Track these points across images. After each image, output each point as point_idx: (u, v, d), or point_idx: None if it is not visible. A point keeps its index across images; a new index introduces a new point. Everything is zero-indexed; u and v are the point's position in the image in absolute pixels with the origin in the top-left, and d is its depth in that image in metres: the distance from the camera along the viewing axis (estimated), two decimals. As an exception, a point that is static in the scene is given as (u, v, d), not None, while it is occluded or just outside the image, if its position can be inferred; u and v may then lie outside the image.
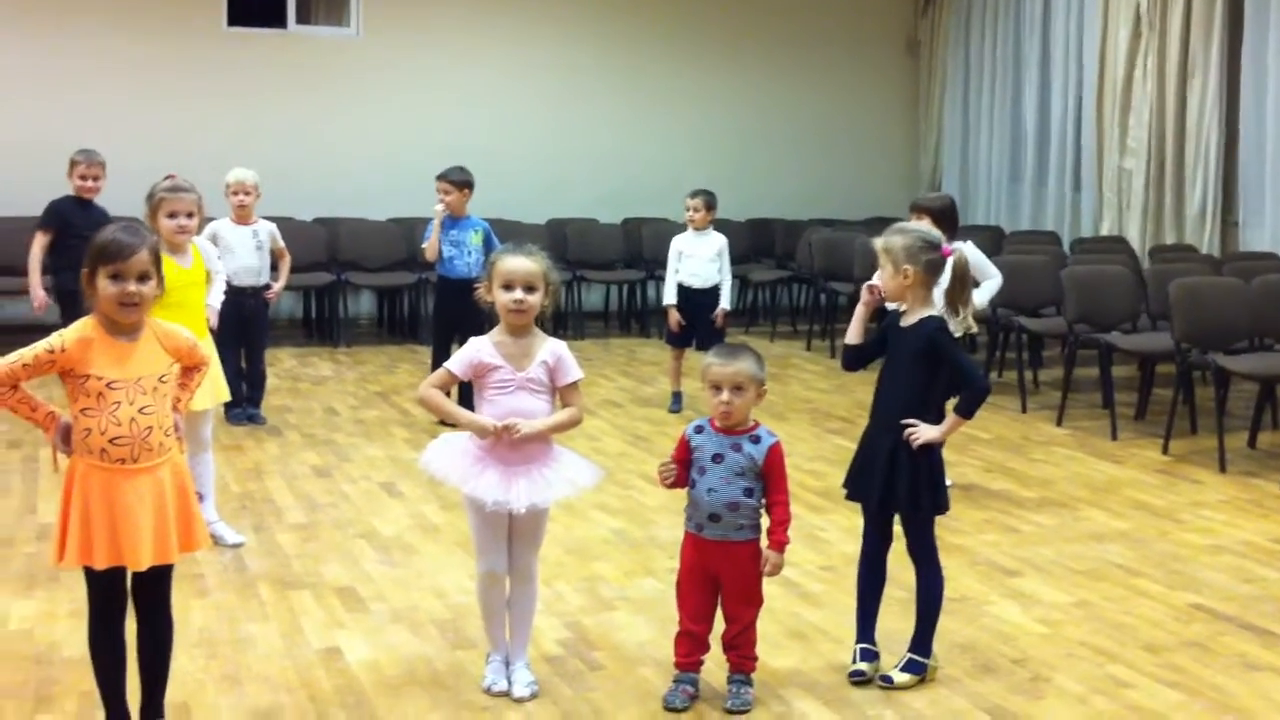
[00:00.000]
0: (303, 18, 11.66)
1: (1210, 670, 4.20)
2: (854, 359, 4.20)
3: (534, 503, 3.78)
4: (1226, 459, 6.93)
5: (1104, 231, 11.10)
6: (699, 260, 8.16)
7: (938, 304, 4.09)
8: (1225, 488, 6.57)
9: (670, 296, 8.22)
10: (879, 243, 4.05)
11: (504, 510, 3.76)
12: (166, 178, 5.22)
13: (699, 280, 8.16)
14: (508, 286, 3.78)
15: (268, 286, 7.55)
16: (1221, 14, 10.23)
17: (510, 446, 3.74)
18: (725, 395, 3.77)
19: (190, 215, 5.11)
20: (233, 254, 7.24)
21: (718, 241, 8.22)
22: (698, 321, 8.14)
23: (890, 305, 4.15)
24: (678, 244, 8.24)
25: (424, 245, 7.75)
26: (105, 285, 3.24)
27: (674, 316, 8.17)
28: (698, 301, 8.16)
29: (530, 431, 3.73)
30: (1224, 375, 7.24)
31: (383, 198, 11.34)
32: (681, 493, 3.91)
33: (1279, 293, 7.22)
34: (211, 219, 7.39)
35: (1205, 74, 10.35)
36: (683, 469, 3.86)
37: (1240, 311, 7.54)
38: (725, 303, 8.21)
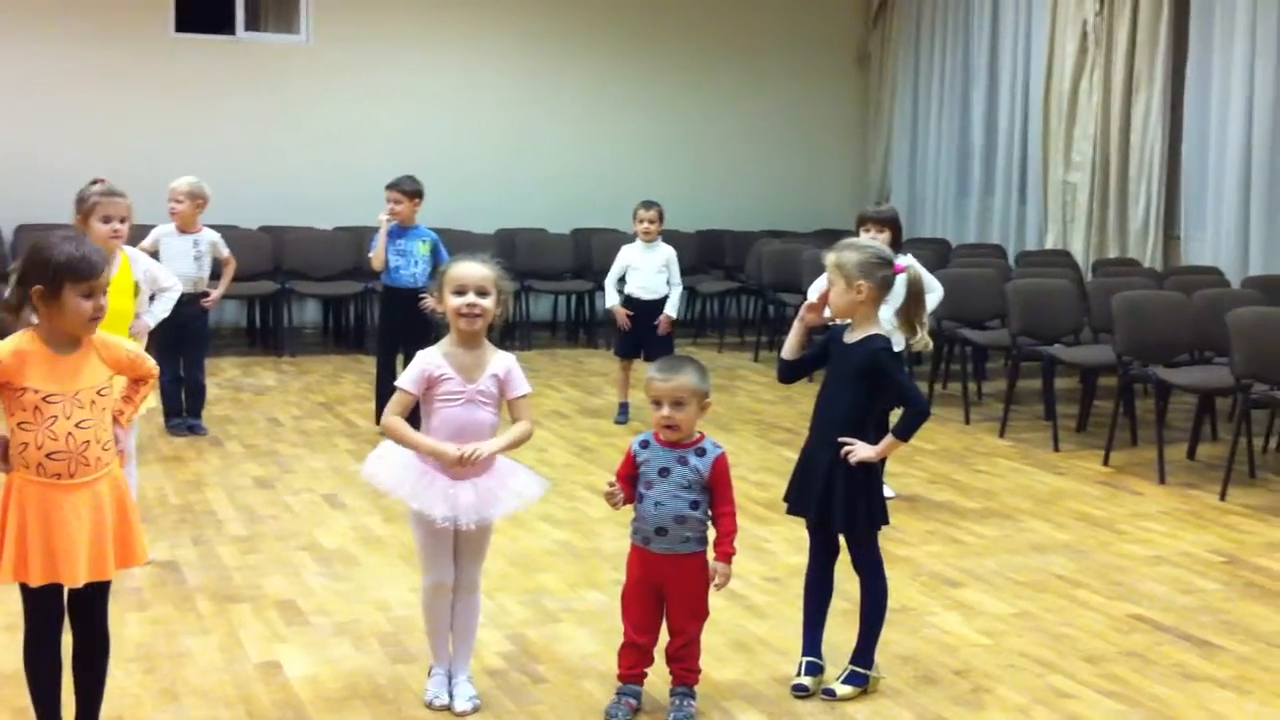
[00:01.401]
0: (251, 24, 11.58)
1: (1149, 680, 4.25)
2: (789, 372, 4.19)
3: (483, 517, 3.77)
4: (1166, 470, 7.01)
5: (1049, 245, 11.21)
6: (648, 272, 8.15)
7: (884, 321, 4.10)
8: (1165, 499, 6.64)
9: (612, 299, 8.20)
10: (831, 257, 4.02)
11: (452, 525, 3.74)
12: (95, 182, 5.17)
13: (647, 293, 8.15)
14: (459, 292, 3.74)
15: (206, 294, 7.47)
16: (1167, 31, 10.36)
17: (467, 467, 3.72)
18: (666, 410, 3.76)
19: (123, 220, 5.11)
20: (171, 262, 7.19)
21: (665, 253, 8.22)
22: (646, 333, 8.14)
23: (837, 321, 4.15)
24: (626, 257, 8.21)
25: (370, 254, 7.71)
26: (77, 303, 3.19)
27: (622, 314, 8.14)
28: (646, 313, 8.15)
29: (490, 452, 3.70)
30: (1164, 387, 7.32)
31: (330, 206, 11.27)
32: (627, 505, 3.91)
33: (1220, 307, 7.31)
34: (153, 226, 7.36)
35: (1150, 89, 10.49)
36: (629, 485, 3.85)
37: (1181, 325, 7.63)
38: (671, 310, 8.18)
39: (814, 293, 4.19)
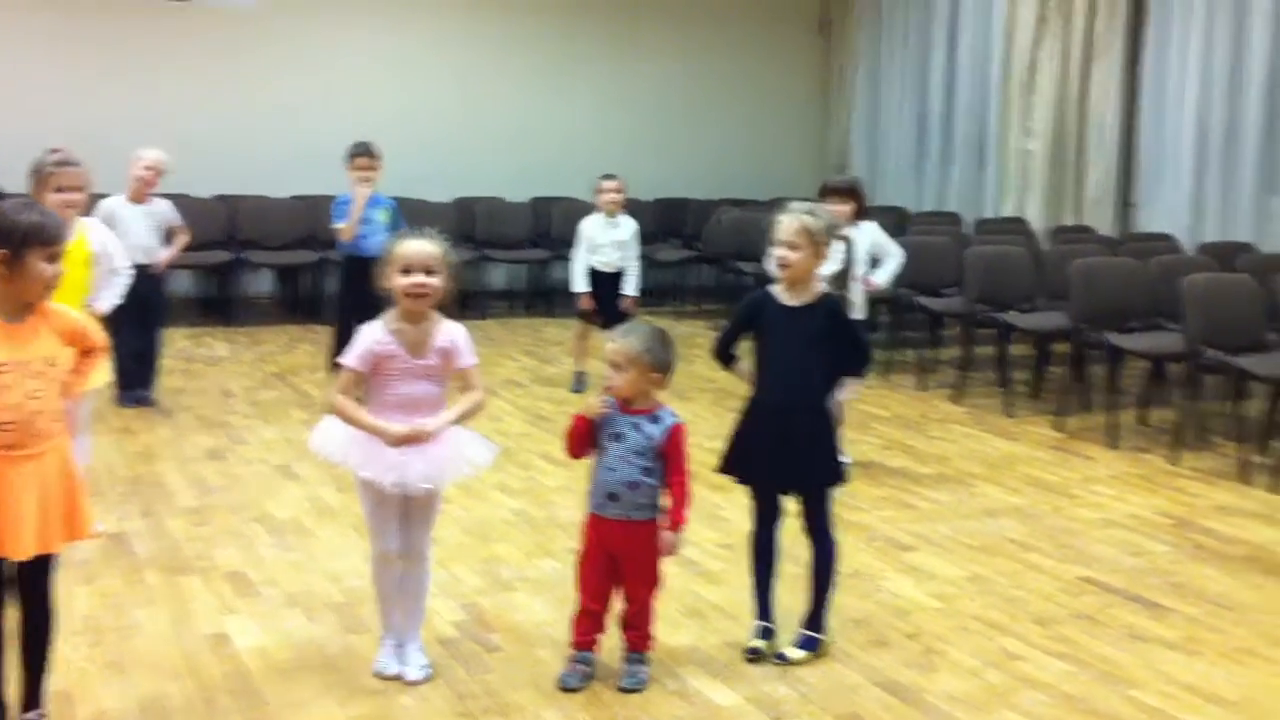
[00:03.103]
0: (201, -10, 11.41)
1: (1098, 641, 4.28)
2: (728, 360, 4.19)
3: (432, 484, 3.75)
4: (1118, 435, 7.07)
5: (1006, 212, 11.25)
6: (610, 249, 8.11)
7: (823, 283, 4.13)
8: (1116, 463, 6.69)
9: (582, 283, 8.13)
10: (807, 221, 4.00)
11: (401, 492, 3.71)
12: (52, 151, 5.09)
13: (608, 267, 8.13)
14: (406, 270, 3.69)
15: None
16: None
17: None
18: (608, 371, 3.79)
19: (78, 190, 5.04)
20: (128, 234, 7.08)
21: (630, 227, 8.16)
22: (605, 303, 8.11)
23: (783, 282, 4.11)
24: (589, 231, 8.13)
25: (341, 225, 7.48)
26: (41, 267, 3.16)
27: (587, 303, 8.12)
28: (606, 284, 8.12)
29: (437, 429, 3.67)
30: (1117, 353, 7.37)
31: (284, 174, 11.15)
32: (583, 473, 3.89)
33: (1173, 273, 7.36)
34: (105, 195, 7.24)
35: (1108, 58, 10.54)
36: (591, 439, 3.83)
37: (1136, 291, 7.67)
38: (630, 289, 8.16)
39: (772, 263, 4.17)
